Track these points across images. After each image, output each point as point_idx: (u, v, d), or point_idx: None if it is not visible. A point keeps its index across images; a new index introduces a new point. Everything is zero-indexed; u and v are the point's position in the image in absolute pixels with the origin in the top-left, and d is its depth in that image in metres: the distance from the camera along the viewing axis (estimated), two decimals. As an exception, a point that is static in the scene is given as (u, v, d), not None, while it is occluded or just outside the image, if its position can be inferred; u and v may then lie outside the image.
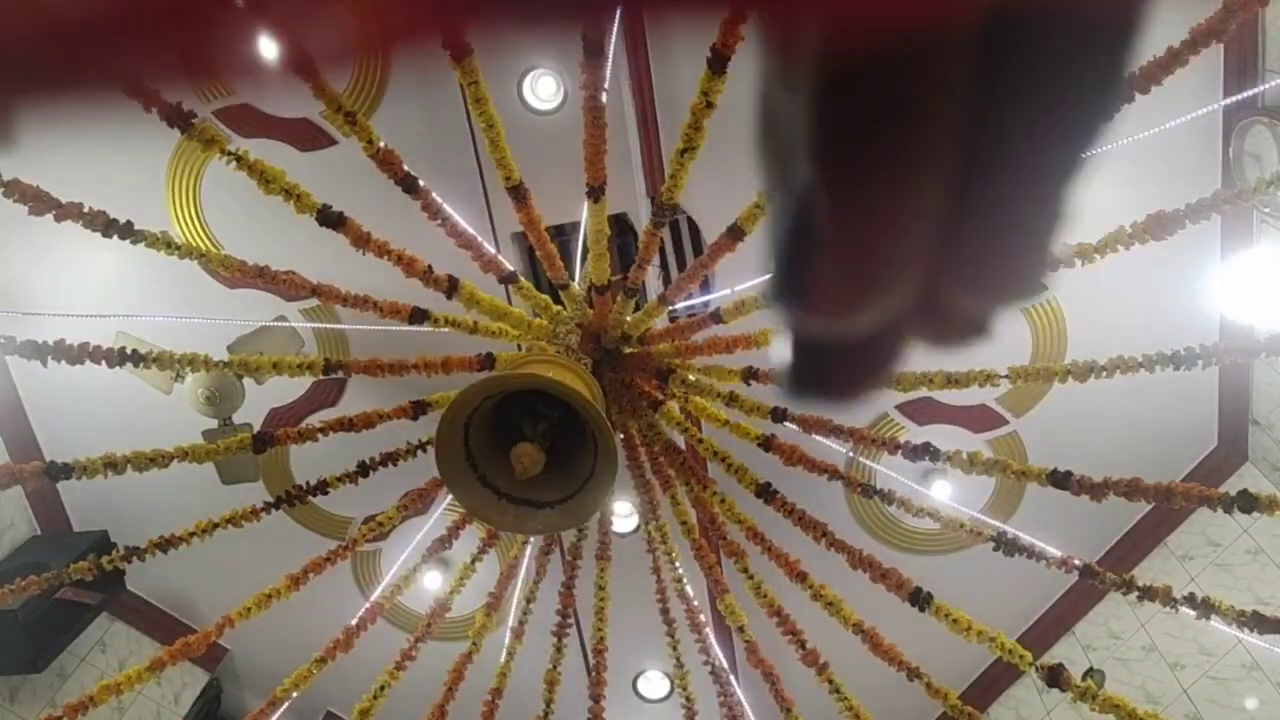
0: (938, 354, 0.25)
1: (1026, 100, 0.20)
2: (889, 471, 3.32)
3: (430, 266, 2.54)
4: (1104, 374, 2.40)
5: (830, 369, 0.25)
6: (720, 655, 3.27)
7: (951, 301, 0.24)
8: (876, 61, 0.19)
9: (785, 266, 0.22)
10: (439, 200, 2.44)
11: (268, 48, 0.16)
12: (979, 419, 4.41)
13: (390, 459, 2.81)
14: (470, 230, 2.55)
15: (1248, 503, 2.06)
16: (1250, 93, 3.26)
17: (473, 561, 3.22)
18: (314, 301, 3.57)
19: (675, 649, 3.26)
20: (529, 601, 3.25)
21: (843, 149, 0.20)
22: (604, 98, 2.23)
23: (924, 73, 0.19)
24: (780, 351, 0.26)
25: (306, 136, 3.79)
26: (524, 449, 1.98)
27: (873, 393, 0.26)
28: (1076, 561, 2.50)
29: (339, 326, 4.11)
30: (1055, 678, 2.34)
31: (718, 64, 2.01)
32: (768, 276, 0.24)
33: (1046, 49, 0.20)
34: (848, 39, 0.19)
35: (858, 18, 0.18)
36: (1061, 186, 0.22)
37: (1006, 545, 2.54)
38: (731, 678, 3.32)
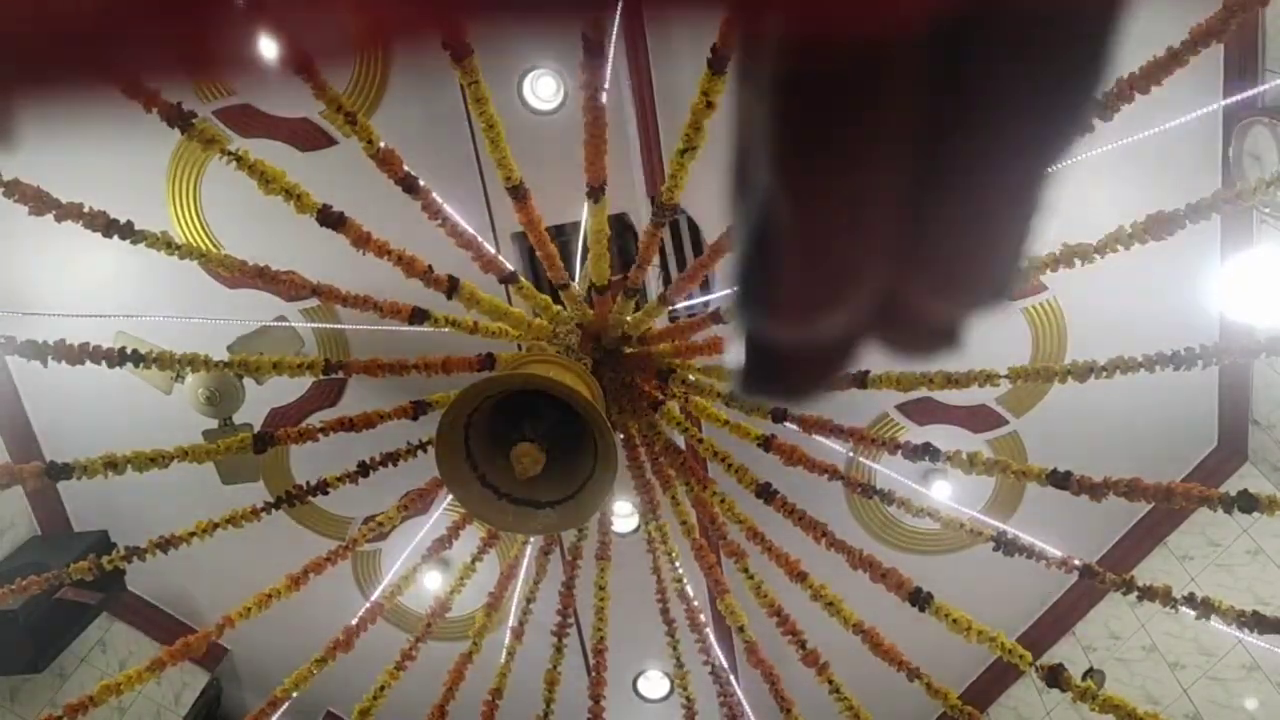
0: (906, 363, 0.25)
1: (995, 101, 0.20)
2: (889, 471, 3.31)
3: (430, 266, 2.54)
4: (1104, 374, 2.40)
5: (783, 369, 0.24)
6: (720, 655, 3.27)
7: (918, 309, 0.23)
8: (836, 61, 0.18)
9: (747, 270, 0.22)
10: (439, 200, 2.44)
11: (268, 45, 0.16)
12: (979, 419, 4.41)
13: (390, 459, 2.81)
14: (470, 230, 2.55)
15: (1248, 503, 2.06)
16: (1250, 93, 3.26)
17: (473, 561, 3.22)
18: (314, 301, 3.57)
19: (675, 649, 3.26)
20: (529, 601, 3.25)
21: (802, 150, 0.19)
22: (604, 98, 2.23)
23: (886, 73, 0.19)
24: (735, 349, 0.25)
25: (306, 136, 3.79)
26: (524, 449, 1.98)
27: (822, 392, 0.25)
28: (1076, 561, 2.50)
29: (339, 326, 4.11)
30: (1055, 678, 2.34)
31: (718, 64, 2.01)
32: (731, 280, 0.23)
33: (1018, 47, 0.19)
34: (806, 39, 0.18)
35: (818, 18, 0.18)
36: (1032, 190, 0.21)
37: (1006, 545, 2.54)
38: (731, 678, 3.32)
